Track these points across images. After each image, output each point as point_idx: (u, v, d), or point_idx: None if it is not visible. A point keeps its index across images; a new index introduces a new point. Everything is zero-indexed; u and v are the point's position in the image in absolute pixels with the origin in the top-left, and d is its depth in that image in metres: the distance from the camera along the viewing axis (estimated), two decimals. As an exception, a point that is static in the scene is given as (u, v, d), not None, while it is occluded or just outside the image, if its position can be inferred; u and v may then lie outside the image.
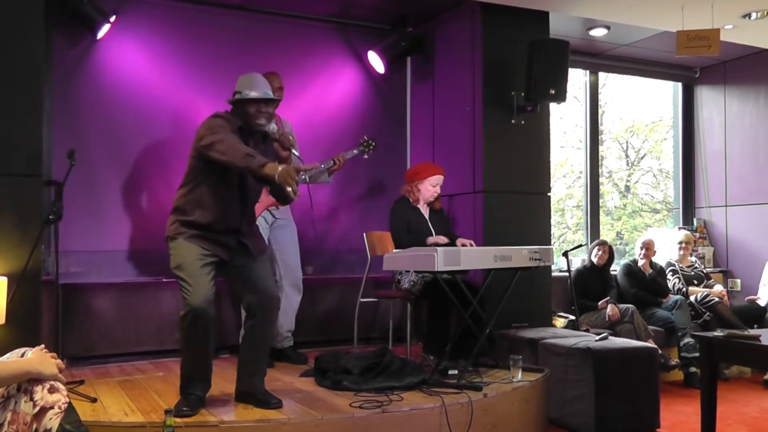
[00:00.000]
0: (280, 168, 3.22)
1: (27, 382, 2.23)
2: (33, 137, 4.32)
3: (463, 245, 4.88)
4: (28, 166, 4.27)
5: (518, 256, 4.45)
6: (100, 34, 5.26)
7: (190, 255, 3.58)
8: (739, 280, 7.50)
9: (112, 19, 5.22)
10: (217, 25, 5.76)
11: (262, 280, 3.77)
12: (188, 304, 3.50)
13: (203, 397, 3.67)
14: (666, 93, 8.50)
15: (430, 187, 5.09)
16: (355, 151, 5.45)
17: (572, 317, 5.83)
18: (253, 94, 3.69)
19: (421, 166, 5.26)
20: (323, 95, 6.24)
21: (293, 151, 3.94)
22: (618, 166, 10.75)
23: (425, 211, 5.14)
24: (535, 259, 4.50)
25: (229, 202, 3.66)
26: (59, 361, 2.34)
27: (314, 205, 6.04)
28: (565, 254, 5.91)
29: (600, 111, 7.93)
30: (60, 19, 5.15)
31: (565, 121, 9.48)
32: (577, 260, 6.83)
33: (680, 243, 6.96)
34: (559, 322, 5.89)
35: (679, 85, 8.11)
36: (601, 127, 7.83)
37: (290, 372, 4.71)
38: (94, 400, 3.80)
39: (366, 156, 5.54)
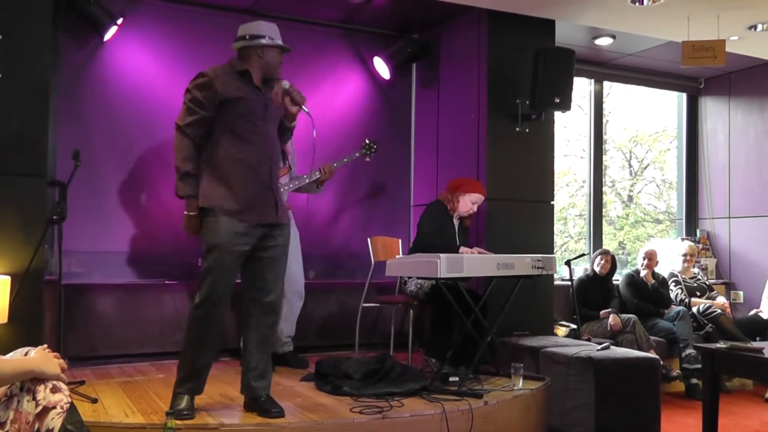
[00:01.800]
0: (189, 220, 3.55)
1: (30, 382, 2.22)
2: (38, 137, 4.34)
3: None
4: (33, 166, 4.28)
5: (521, 264, 4.46)
6: (107, 36, 5.28)
7: (223, 240, 3.50)
8: (741, 292, 7.48)
9: (119, 21, 5.24)
10: (224, 28, 5.73)
11: (262, 268, 3.66)
12: (205, 296, 3.51)
13: (193, 399, 3.64)
14: (670, 103, 8.51)
15: (469, 203, 5.03)
16: (356, 155, 5.46)
17: (574, 326, 5.82)
18: (279, 42, 3.66)
19: (467, 180, 5.18)
20: (329, 100, 6.25)
21: (303, 107, 3.81)
22: (621, 176, 10.75)
23: (455, 224, 5.11)
24: (538, 268, 4.50)
25: (251, 151, 3.58)
26: (62, 361, 2.34)
27: (317, 210, 6.06)
28: (568, 263, 5.91)
29: (604, 120, 7.93)
30: (67, 21, 5.17)
31: (569, 130, 9.50)
32: (580, 269, 6.83)
33: (684, 254, 6.95)
34: (561, 330, 5.88)
35: (684, 95, 8.11)
36: (604, 137, 7.83)
37: (291, 376, 4.70)
38: (95, 401, 3.80)
39: (368, 159, 5.54)
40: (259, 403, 3.62)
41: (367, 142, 5.53)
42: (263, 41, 3.63)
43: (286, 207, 3.86)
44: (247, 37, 3.65)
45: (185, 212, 3.52)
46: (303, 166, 5.41)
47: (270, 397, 3.67)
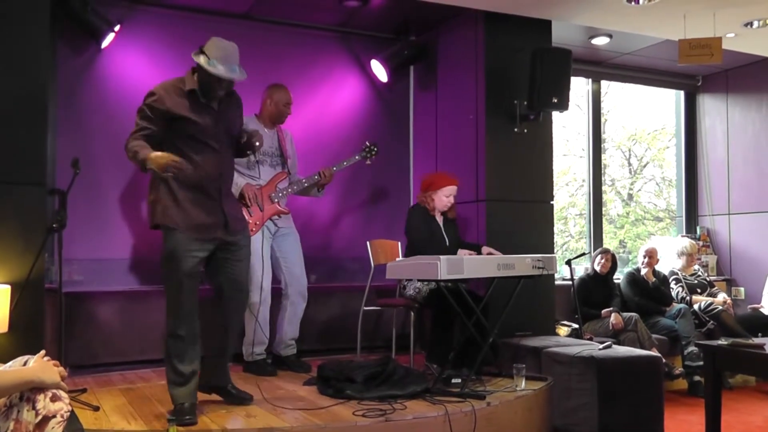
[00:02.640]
0: (160, 160, 3.38)
1: (29, 391, 2.22)
2: (37, 146, 4.34)
3: (490, 254, 4.87)
4: (33, 174, 4.28)
5: (521, 264, 4.45)
6: (105, 43, 5.28)
7: (181, 254, 3.57)
8: (742, 289, 7.48)
9: (117, 28, 5.24)
10: (221, 34, 5.65)
11: (234, 271, 3.77)
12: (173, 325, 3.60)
13: (194, 404, 3.66)
14: (668, 101, 8.51)
15: (443, 198, 5.06)
16: (356, 157, 5.46)
17: (575, 326, 5.82)
18: (220, 70, 3.59)
19: (435, 176, 5.21)
20: (327, 104, 6.26)
21: (252, 156, 3.96)
22: (621, 175, 10.74)
23: (440, 220, 5.13)
24: (538, 268, 4.49)
25: (200, 170, 3.64)
26: (61, 369, 2.33)
27: (317, 213, 6.06)
28: (568, 263, 5.91)
29: (602, 119, 7.93)
30: (65, 28, 5.17)
31: (568, 130, 9.49)
32: (580, 269, 6.83)
33: (683, 252, 6.95)
34: (563, 330, 5.88)
35: (681, 93, 8.12)
36: (603, 136, 7.83)
37: (293, 380, 4.70)
38: (97, 409, 3.80)
39: (368, 162, 5.54)
40: (230, 392, 3.86)
41: (368, 144, 5.52)
42: (210, 69, 3.58)
43: (246, 218, 4.00)
44: (202, 52, 3.64)
45: (149, 161, 3.43)
46: (303, 169, 5.42)
47: (234, 386, 3.90)
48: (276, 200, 5.03)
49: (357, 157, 5.46)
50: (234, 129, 3.89)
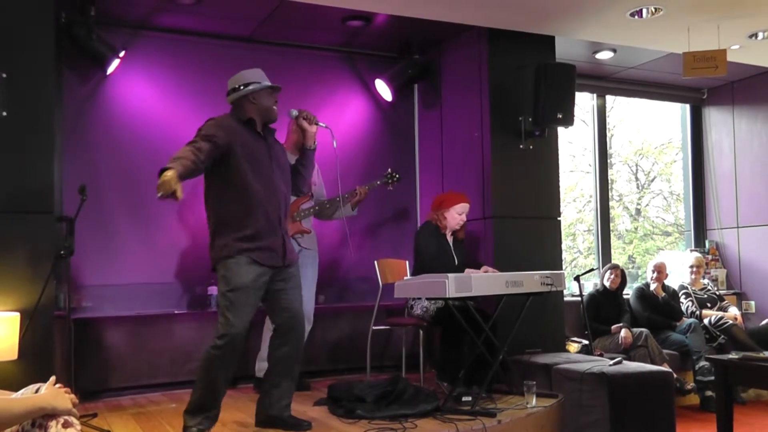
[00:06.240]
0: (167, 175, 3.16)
1: (41, 418, 2.22)
2: (45, 174, 4.35)
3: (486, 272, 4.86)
4: (40, 202, 4.29)
5: (530, 281, 4.44)
6: (110, 70, 5.31)
7: (244, 279, 3.55)
8: (753, 302, 7.43)
9: (121, 54, 5.28)
10: (226, 57, 5.81)
11: (291, 302, 3.76)
12: (227, 333, 3.48)
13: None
14: (674, 115, 8.51)
15: (456, 216, 5.07)
16: (378, 182, 5.50)
17: (586, 342, 5.79)
18: (267, 83, 3.74)
19: (447, 194, 5.24)
20: (332, 124, 6.20)
21: (319, 123, 3.92)
22: (628, 189, 10.74)
23: (450, 240, 5.13)
24: (547, 284, 4.49)
25: (257, 199, 3.63)
26: (73, 395, 2.34)
27: (324, 234, 6.04)
28: (577, 279, 5.89)
29: (609, 134, 7.93)
30: (70, 56, 5.20)
31: (575, 145, 9.50)
32: (590, 284, 6.80)
33: (691, 266, 6.92)
34: (573, 347, 5.85)
35: (687, 106, 8.11)
36: (610, 151, 7.84)
37: (303, 401, 4.67)
38: (107, 434, 3.80)
39: (390, 188, 5.64)
40: (284, 420, 3.74)
41: (390, 171, 5.62)
42: (251, 87, 3.72)
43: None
44: (239, 87, 3.74)
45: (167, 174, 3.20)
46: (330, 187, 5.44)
47: (292, 414, 3.80)
48: (298, 219, 5.06)
49: (378, 183, 5.51)
50: (284, 161, 3.89)
